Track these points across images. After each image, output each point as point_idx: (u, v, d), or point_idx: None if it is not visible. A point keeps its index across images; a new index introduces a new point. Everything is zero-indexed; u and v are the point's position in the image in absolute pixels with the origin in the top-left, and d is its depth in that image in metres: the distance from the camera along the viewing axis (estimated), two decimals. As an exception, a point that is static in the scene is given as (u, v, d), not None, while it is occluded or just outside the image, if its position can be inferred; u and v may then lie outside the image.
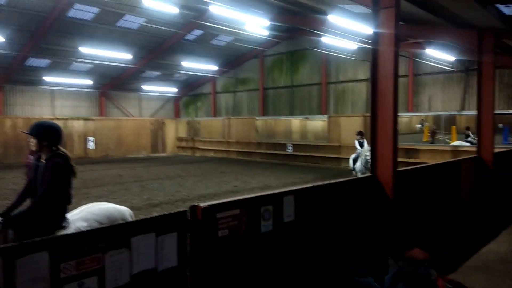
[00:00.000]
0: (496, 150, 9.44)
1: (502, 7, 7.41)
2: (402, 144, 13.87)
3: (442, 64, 16.38)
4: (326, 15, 12.21)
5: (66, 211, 3.70)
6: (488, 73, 8.82)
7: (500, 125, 14.73)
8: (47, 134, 3.69)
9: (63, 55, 20.75)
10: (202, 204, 2.99)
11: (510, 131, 14.76)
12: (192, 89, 28.80)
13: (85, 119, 23.72)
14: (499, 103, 14.69)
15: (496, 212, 8.65)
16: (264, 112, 23.78)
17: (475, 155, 8.94)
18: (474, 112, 9.80)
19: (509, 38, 9.63)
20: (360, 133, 13.21)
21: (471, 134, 15.22)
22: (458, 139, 15.89)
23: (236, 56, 24.83)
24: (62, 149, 3.78)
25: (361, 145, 12.81)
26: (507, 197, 9.94)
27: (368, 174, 5.47)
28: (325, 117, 19.71)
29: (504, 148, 12.94)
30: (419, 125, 18.35)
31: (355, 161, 12.43)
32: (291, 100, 22.55)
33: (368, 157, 10.77)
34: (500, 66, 14.09)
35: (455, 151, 15.05)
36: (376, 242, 5.03)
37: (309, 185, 4.20)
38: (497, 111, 11.02)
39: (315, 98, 21.37)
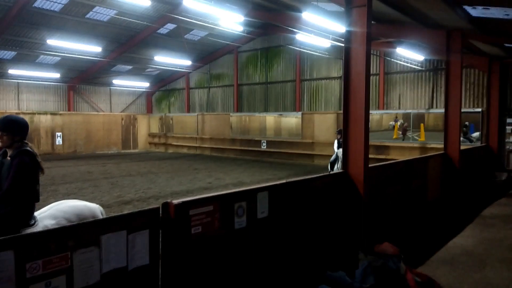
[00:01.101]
0: (462, 147, 9.81)
1: (469, 9, 7.67)
2: (373, 141, 14.19)
3: (412, 63, 16.83)
4: (301, 12, 12.28)
5: (33, 209, 3.57)
6: (455, 73, 9.12)
7: (466, 123, 15.27)
8: (19, 129, 3.56)
9: (30, 47, 19.95)
10: (175, 201, 2.96)
11: (475, 129, 15.35)
12: (165, 84, 28.36)
13: (53, 113, 22.95)
14: (466, 101, 15.23)
15: (463, 207, 8.99)
16: (239, 108, 23.74)
17: (442, 152, 9.26)
18: (442, 110, 10.13)
19: (475, 39, 10.00)
20: (340, 132, 11.96)
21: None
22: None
23: (210, 51, 24.61)
24: (30, 144, 3.64)
25: (341, 145, 11.95)
26: (471, 192, 10.36)
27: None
28: (299, 114, 19.88)
29: (470, 145, 13.48)
30: (392, 122, 18.76)
31: (332, 164, 11.00)
32: (265, 96, 22.60)
33: None
34: (467, 65, 14.61)
35: (424, 148, 15.53)
36: (348, 236, 5.12)
37: (283, 181, 4.23)
38: (464, 109, 11.44)
39: (290, 95, 21.52)
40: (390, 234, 5.81)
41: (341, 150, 10.98)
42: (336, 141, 11.81)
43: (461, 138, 14.28)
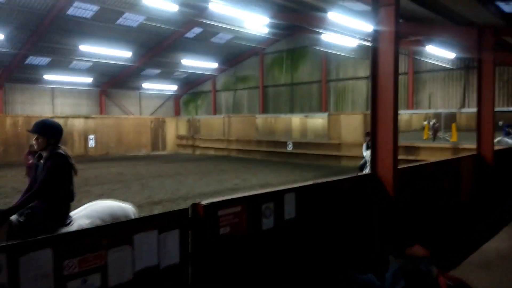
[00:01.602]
0: (496, 148, 9.47)
1: (501, 5, 7.41)
2: (402, 142, 13.87)
3: (442, 62, 16.37)
4: (326, 12, 12.20)
5: (69, 208, 3.71)
6: (488, 71, 8.82)
7: (500, 123, 14.71)
8: (53, 132, 3.71)
9: (63, 53, 20.73)
10: (204, 202, 3.01)
11: (510, 129, 14.76)
12: (192, 87, 28.79)
13: (86, 117, 23.72)
14: (499, 100, 14.68)
15: (497, 209, 8.67)
16: (264, 110, 23.78)
17: (475, 153, 8.96)
18: (474, 109, 9.81)
19: (508, 35, 9.64)
20: (369, 134, 11.18)
21: None
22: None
23: (236, 54, 24.80)
24: (63, 147, 3.79)
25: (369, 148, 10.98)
26: (507, 194, 9.96)
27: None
28: (325, 115, 19.71)
29: (505, 146, 12.97)
30: (424, 122, 18.22)
31: (361, 169, 10.49)
32: (291, 98, 22.54)
33: None
34: (500, 63, 14.09)
35: (456, 148, 15.06)
36: (377, 239, 5.05)
37: (310, 182, 4.22)
38: (497, 109, 11.04)
39: (315, 96, 21.37)
40: (421, 237, 5.68)
41: (369, 153, 9.70)
42: (364, 144, 11.16)
43: (507, 139, 13.45)
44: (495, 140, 10.22)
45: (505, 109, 14.49)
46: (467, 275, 4.95)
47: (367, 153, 10.17)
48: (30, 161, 7.27)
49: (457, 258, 5.59)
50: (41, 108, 23.74)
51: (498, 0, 7.08)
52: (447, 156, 13.77)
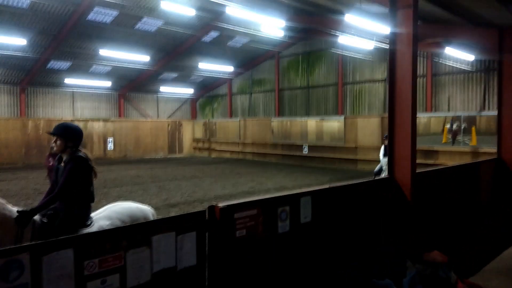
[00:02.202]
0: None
1: (524, 6, 7.25)
2: (420, 146, 13.66)
3: (461, 64, 16.09)
4: (343, 15, 12.14)
5: (89, 210, 3.79)
6: (509, 73, 8.64)
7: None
8: (72, 135, 3.80)
9: (83, 57, 21.17)
10: (220, 204, 3.04)
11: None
12: (208, 90, 28.99)
13: (105, 120, 24.14)
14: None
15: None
16: (280, 113, 23.76)
17: (495, 157, 8.77)
18: (495, 112, 9.60)
19: (531, 37, 9.39)
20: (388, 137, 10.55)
21: None
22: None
23: (252, 57, 24.88)
24: (83, 150, 3.88)
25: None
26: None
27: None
28: (341, 118, 19.57)
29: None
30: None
31: (376, 175, 10.17)
32: (307, 101, 22.48)
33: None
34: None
35: (475, 152, 14.75)
36: (395, 244, 4.99)
37: (326, 186, 4.20)
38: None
39: (331, 99, 21.26)
40: (440, 242, 5.59)
41: (386, 160, 9.20)
42: (382, 147, 10.80)
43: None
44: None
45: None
46: (488, 282, 4.84)
47: (384, 160, 9.81)
48: (51, 163, 7.45)
49: (477, 264, 5.47)
50: (61, 112, 24.27)
51: (519, 1, 6.94)
52: (467, 160, 13.51)
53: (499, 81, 8.82)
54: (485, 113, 15.49)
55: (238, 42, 22.56)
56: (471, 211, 7.04)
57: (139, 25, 19.19)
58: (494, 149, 9.52)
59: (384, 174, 9.58)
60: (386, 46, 12.14)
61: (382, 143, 11.08)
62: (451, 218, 6.34)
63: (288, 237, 3.56)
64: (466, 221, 6.81)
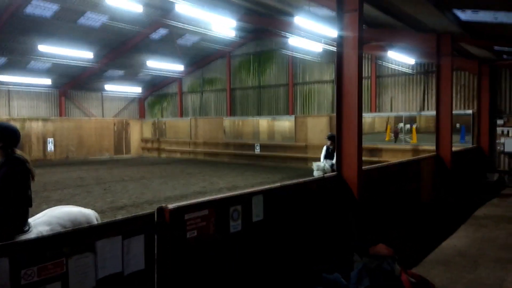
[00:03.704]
0: (454, 149, 9.91)
1: (458, 13, 7.78)
2: (365, 144, 14.24)
3: (403, 67, 16.99)
4: (293, 16, 12.36)
5: (27, 215, 3.53)
6: (446, 75, 9.24)
7: (458, 125, 15.43)
8: (3, 135, 3.52)
9: (20, 53, 19.81)
10: (170, 206, 2.96)
11: (467, 131, 15.51)
12: (157, 89, 28.29)
13: (44, 119, 22.77)
14: (456, 103, 15.38)
15: (456, 207, 9.06)
16: (232, 112, 23.74)
17: (434, 153, 9.34)
18: (434, 112, 10.24)
19: (465, 42, 10.13)
20: (332, 137, 9.20)
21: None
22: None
23: (202, 56, 24.62)
24: (19, 151, 3.61)
25: (330, 155, 9.29)
26: (465, 193, 10.45)
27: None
28: (292, 118, 19.94)
29: (461, 147, 13.61)
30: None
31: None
32: (258, 100, 22.64)
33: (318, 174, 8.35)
34: (457, 68, 14.78)
35: (416, 150, 15.65)
36: (342, 238, 5.15)
37: (278, 184, 4.24)
38: (455, 112, 11.56)
39: (282, 99, 21.58)
40: (385, 236, 5.85)
41: (322, 164, 8.97)
42: (324, 148, 9.73)
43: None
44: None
45: (462, 112, 15.22)
46: (429, 272, 5.14)
47: (325, 163, 9.12)
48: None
49: (419, 256, 5.79)
50: (-5, 110, 22.58)
51: (455, 8, 7.43)
52: (408, 157, 14.28)
53: (437, 83, 9.41)
54: (425, 112, 16.48)
55: (188, 40, 22.23)
56: (414, 205, 7.44)
57: (82, 20, 18.29)
58: (432, 147, 10.13)
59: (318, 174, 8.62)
60: (334, 49, 12.50)
61: (325, 144, 9.88)
62: (395, 212, 6.65)
63: (241, 236, 3.55)
64: (409, 214, 7.19)
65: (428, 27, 9.48)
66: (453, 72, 11.82)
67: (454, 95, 14.86)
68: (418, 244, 6.37)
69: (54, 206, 4.07)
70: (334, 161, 8.62)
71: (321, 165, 9.16)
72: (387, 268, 4.51)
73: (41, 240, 2.41)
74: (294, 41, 15.96)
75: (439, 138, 9.34)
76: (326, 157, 9.54)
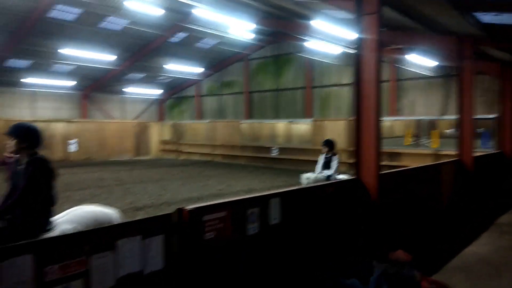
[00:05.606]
0: (476, 154, 9.69)
1: (480, 15, 7.63)
2: (384, 148, 14.06)
3: (423, 70, 16.74)
4: (311, 20, 12.34)
5: (50, 214, 3.63)
6: (467, 79, 9.06)
7: (480, 130, 15.09)
8: (27, 135, 3.62)
9: (44, 56, 20.38)
10: (189, 207, 2.99)
11: (489, 136, 15.15)
12: (176, 91, 28.65)
13: (67, 121, 23.31)
14: (478, 108, 15.04)
15: (477, 214, 8.85)
16: (249, 115, 23.81)
17: (456, 158, 9.16)
18: (455, 116, 10.05)
19: (487, 45, 9.92)
20: (328, 143, 8.38)
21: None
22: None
23: (221, 59, 24.82)
24: (41, 152, 3.71)
25: (327, 164, 8.20)
26: (487, 199, 10.19)
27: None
28: (309, 121, 19.86)
29: (483, 152, 13.29)
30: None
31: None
32: (276, 103, 22.65)
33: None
34: (479, 72, 14.46)
35: (437, 154, 15.36)
36: (361, 243, 5.09)
37: (295, 187, 4.24)
38: (476, 116, 11.30)
39: (300, 102, 21.53)
40: (405, 241, 5.76)
41: (313, 176, 7.82)
42: (321, 157, 8.47)
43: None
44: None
45: (484, 116, 14.89)
46: (449, 279, 5.03)
47: (316, 174, 8.02)
48: (8, 165, 7.09)
49: (440, 262, 5.68)
50: (20, 112, 23.25)
51: (477, 11, 7.29)
52: (429, 162, 14.03)
53: (459, 86, 9.23)
54: (446, 117, 16.17)
55: (206, 43, 22.45)
56: (434, 210, 7.31)
57: (103, 24, 18.71)
58: (454, 151, 9.93)
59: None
60: (352, 51, 12.41)
61: (322, 151, 8.58)
62: (416, 217, 6.55)
63: (258, 238, 3.56)
64: (430, 220, 7.06)
65: (448, 30, 9.32)
66: (475, 76, 11.61)
67: (476, 99, 14.54)
68: (439, 250, 6.24)
69: (75, 205, 4.17)
70: (332, 171, 7.98)
71: (311, 177, 7.93)
72: (406, 274, 4.45)
73: (64, 238, 2.47)
74: (312, 44, 15.93)
75: (461, 143, 9.15)
76: (323, 167, 8.28)
